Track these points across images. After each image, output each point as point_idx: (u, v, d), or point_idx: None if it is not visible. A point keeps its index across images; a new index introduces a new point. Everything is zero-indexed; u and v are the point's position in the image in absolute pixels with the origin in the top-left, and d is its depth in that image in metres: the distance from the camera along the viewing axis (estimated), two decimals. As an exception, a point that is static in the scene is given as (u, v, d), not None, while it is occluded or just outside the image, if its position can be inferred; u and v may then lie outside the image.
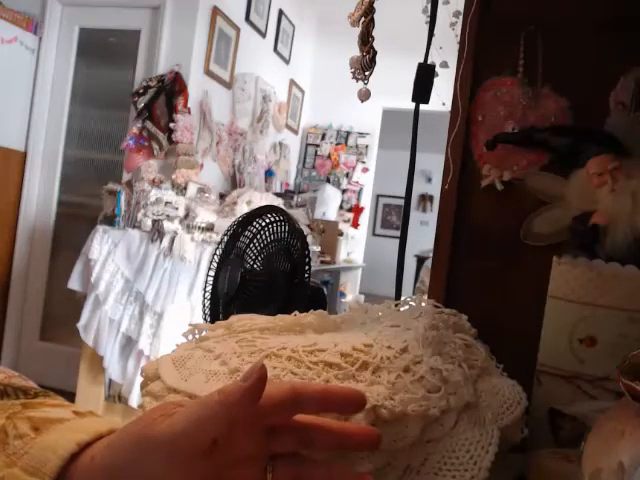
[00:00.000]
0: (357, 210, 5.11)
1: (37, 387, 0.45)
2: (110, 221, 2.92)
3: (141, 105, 3.16)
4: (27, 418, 0.38)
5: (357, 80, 0.86)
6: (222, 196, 3.48)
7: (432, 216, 7.76)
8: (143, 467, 0.34)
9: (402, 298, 0.65)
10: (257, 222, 0.89)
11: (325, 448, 0.39)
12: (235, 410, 0.35)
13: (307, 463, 0.38)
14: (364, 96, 0.87)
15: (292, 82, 4.85)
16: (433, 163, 6.31)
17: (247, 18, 3.88)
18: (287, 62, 4.68)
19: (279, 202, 3.46)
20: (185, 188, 3.08)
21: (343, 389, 0.40)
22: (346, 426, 0.39)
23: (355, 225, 5.10)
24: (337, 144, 5.16)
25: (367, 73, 0.84)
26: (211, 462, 0.36)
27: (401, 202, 7.98)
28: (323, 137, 5.21)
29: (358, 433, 0.39)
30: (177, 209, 2.91)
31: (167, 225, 2.81)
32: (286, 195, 4.24)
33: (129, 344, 2.77)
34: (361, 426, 0.40)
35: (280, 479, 0.37)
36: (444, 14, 0.89)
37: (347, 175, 5.14)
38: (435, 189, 8.02)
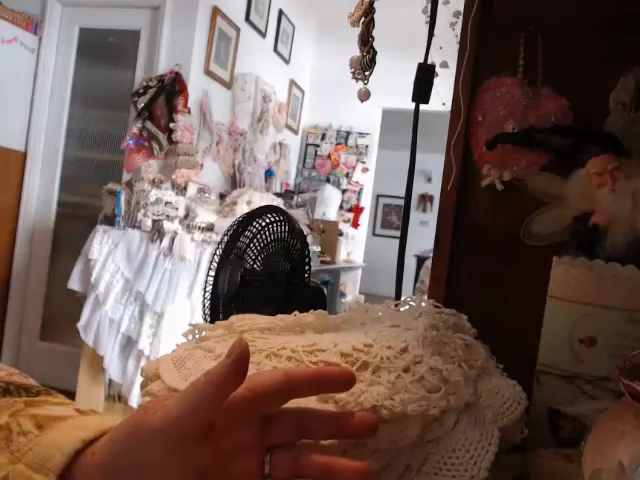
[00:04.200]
0: (357, 210, 5.11)
1: (38, 385, 0.45)
2: (110, 221, 2.92)
3: (141, 105, 3.16)
4: (31, 416, 0.39)
5: (357, 80, 0.86)
6: (222, 196, 3.48)
7: (432, 216, 7.75)
8: (141, 457, 0.35)
9: (402, 298, 0.65)
10: (257, 222, 0.89)
11: (322, 437, 0.39)
12: (223, 388, 0.35)
13: (305, 453, 0.38)
14: (364, 96, 0.87)
15: (292, 82, 4.85)
16: (433, 163, 6.29)
17: (247, 18, 3.88)
18: (287, 62, 4.68)
19: (279, 202, 3.46)
20: (185, 188, 3.08)
21: (332, 369, 0.41)
22: (343, 414, 0.40)
23: (355, 225, 5.10)
24: (337, 144, 5.16)
25: (367, 73, 0.84)
26: (208, 448, 0.36)
27: (401, 202, 7.97)
28: (323, 137, 5.21)
29: (355, 421, 0.39)
30: (177, 209, 2.91)
31: (167, 225, 2.80)
32: (286, 195, 4.24)
33: (129, 344, 2.77)
34: (358, 413, 0.40)
35: (278, 469, 0.38)
36: (444, 14, 0.89)
37: (347, 175, 5.14)
38: (435, 189, 8.01)
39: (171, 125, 3.14)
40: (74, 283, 2.85)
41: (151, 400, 0.38)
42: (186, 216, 2.93)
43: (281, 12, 4.43)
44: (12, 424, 0.38)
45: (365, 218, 5.34)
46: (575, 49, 0.78)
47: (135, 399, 2.70)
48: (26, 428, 0.37)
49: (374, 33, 0.83)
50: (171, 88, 3.18)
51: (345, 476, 0.36)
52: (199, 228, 2.87)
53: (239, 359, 0.35)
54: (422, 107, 0.88)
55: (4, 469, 0.35)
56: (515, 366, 0.56)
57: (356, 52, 0.84)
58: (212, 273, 0.93)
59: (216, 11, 3.43)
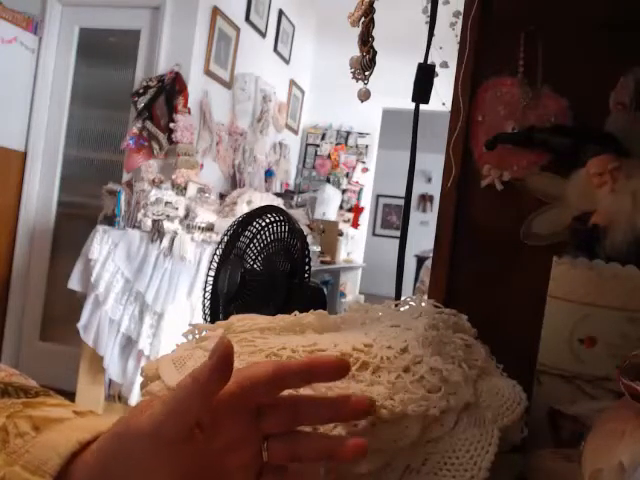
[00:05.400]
0: (357, 210, 5.11)
1: (37, 386, 0.45)
2: (110, 221, 2.92)
3: (141, 105, 3.16)
4: (28, 417, 0.39)
5: (357, 80, 0.86)
6: (222, 196, 3.48)
7: (432, 216, 7.75)
8: (129, 458, 0.35)
9: (402, 298, 0.65)
10: (257, 222, 0.89)
11: (319, 422, 0.40)
12: (208, 388, 0.35)
13: (301, 438, 0.38)
14: (364, 96, 0.87)
15: (292, 82, 4.85)
16: (433, 163, 6.30)
17: (247, 18, 3.88)
18: (287, 62, 4.68)
19: (279, 202, 3.46)
20: (185, 188, 3.08)
21: (326, 357, 0.41)
22: (338, 398, 0.40)
23: (355, 225, 5.10)
24: (337, 144, 5.16)
25: (367, 73, 0.84)
26: (197, 448, 0.36)
27: (401, 202, 7.97)
28: (323, 137, 5.21)
29: (351, 404, 0.39)
30: (177, 209, 2.91)
31: (167, 225, 2.80)
32: (286, 195, 4.24)
33: (129, 344, 2.77)
34: (354, 396, 0.40)
35: (276, 458, 0.38)
36: (444, 14, 0.89)
37: (347, 175, 5.14)
38: (435, 189, 8.01)
39: (171, 125, 3.14)
40: (74, 283, 2.85)
41: (142, 401, 0.38)
42: (186, 216, 2.93)
43: (281, 12, 4.43)
44: (9, 426, 0.38)
45: (365, 218, 5.34)
46: (575, 49, 0.78)
47: (135, 399, 2.70)
48: (23, 430, 0.37)
49: (374, 33, 0.83)
50: (171, 88, 3.18)
51: (343, 451, 0.37)
52: (199, 228, 2.87)
53: (222, 357, 0.35)
54: (422, 107, 0.88)
55: (0, 471, 0.35)
56: (515, 366, 0.56)
57: (356, 52, 0.84)
58: (212, 273, 0.93)
59: (216, 11, 3.43)
